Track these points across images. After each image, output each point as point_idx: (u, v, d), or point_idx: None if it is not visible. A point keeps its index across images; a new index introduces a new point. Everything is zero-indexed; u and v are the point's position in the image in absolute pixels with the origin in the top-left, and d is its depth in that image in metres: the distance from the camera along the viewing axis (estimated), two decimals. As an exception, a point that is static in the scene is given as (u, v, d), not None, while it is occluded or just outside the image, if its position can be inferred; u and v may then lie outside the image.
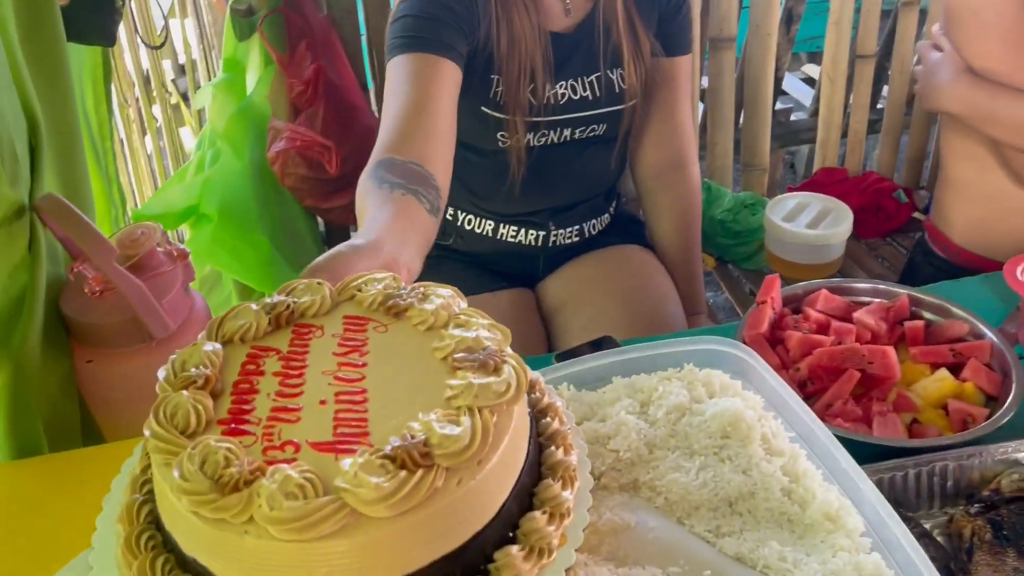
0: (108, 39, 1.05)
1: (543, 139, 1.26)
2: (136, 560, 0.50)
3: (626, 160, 1.39)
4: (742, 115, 1.85)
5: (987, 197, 1.31)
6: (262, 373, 0.56)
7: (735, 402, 0.73)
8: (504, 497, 0.51)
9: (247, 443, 0.50)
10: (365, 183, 0.95)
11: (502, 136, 1.22)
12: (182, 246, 0.78)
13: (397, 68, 1.10)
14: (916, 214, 1.81)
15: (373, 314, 0.62)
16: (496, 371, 0.53)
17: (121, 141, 2.20)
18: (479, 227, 1.34)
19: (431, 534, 0.47)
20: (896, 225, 1.80)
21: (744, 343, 0.91)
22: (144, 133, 2.44)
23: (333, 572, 0.46)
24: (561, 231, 1.34)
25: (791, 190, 1.84)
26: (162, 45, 1.99)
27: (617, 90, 1.25)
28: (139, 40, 2.05)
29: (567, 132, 1.26)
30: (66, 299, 0.76)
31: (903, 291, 0.99)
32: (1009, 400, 0.82)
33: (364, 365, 0.56)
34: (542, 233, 1.34)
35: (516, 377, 0.53)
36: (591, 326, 1.21)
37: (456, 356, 0.55)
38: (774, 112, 1.94)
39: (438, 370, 0.55)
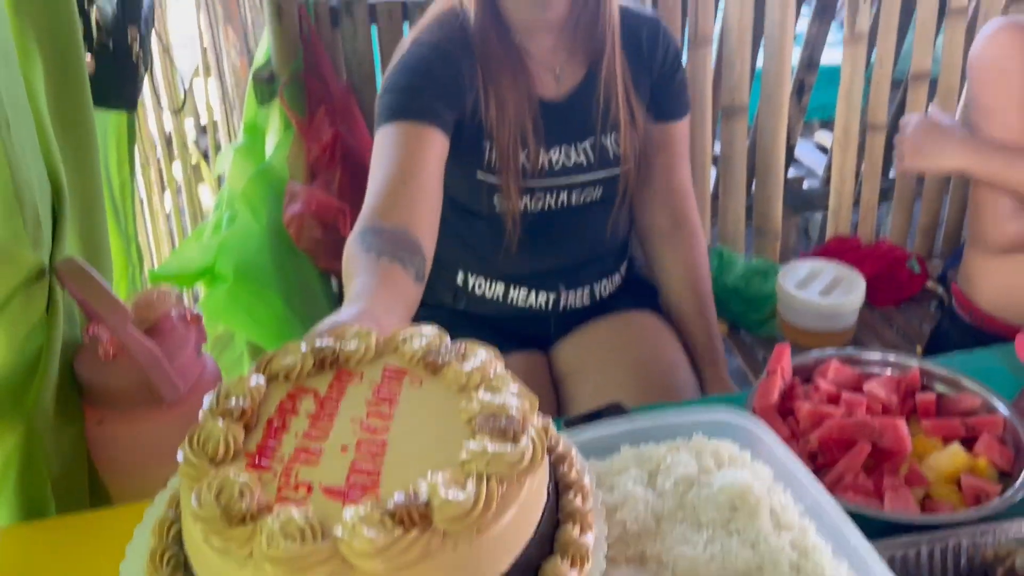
0: (130, 104, 1.08)
1: (539, 203, 1.27)
2: (156, 574, 0.53)
3: (632, 221, 1.40)
4: (754, 182, 1.87)
5: (1015, 262, 1.31)
6: (296, 412, 0.59)
7: (744, 474, 0.73)
8: (504, 567, 0.51)
9: (265, 479, 0.52)
10: (352, 248, 0.98)
11: (498, 200, 1.24)
12: (196, 310, 0.79)
13: (384, 136, 1.13)
14: (930, 283, 1.81)
15: (413, 367, 0.63)
16: (514, 439, 0.54)
17: (141, 200, 2.24)
18: (489, 290, 1.35)
19: (421, 594, 0.47)
20: (909, 294, 1.80)
21: (754, 413, 0.91)
22: (164, 190, 2.49)
23: None
24: (572, 292, 1.35)
25: (803, 257, 1.85)
26: (183, 107, 2.04)
27: (612, 156, 1.26)
28: (164, 112, 2.11)
29: (563, 196, 1.28)
30: (80, 360, 0.77)
31: (914, 363, 0.99)
32: (1023, 476, 0.81)
33: (391, 417, 0.58)
34: (552, 295, 1.34)
35: (533, 449, 0.53)
36: (601, 392, 1.21)
37: (478, 420, 0.55)
38: (786, 179, 1.96)
39: (460, 431, 0.56)
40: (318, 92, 1.51)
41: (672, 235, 1.36)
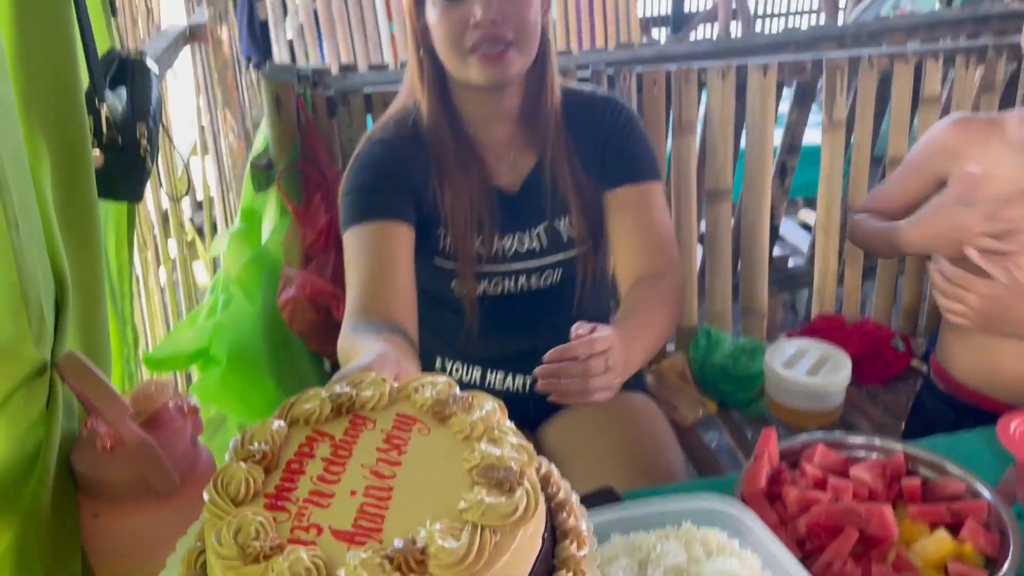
0: (136, 196, 1.11)
1: (498, 287, 1.29)
2: None
3: (604, 298, 1.41)
4: (740, 262, 1.91)
5: (990, 337, 1.34)
6: (313, 456, 0.63)
7: (732, 563, 0.74)
8: None
9: (281, 519, 0.56)
10: (348, 333, 1.04)
11: (456, 285, 1.28)
12: (193, 401, 0.81)
13: (351, 239, 1.19)
14: (914, 362, 1.84)
15: (423, 415, 0.68)
16: (510, 491, 0.57)
17: (137, 279, 2.26)
18: (467, 375, 1.37)
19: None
20: (895, 372, 1.82)
21: (743, 498, 0.92)
22: (159, 267, 2.51)
23: None
24: None
25: (790, 335, 1.88)
26: (184, 195, 2.08)
27: (565, 239, 1.28)
28: (162, 191, 2.15)
29: (521, 280, 1.30)
30: (77, 454, 0.78)
31: (899, 447, 1.01)
32: (1008, 563, 0.82)
33: (399, 464, 0.62)
34: (528, 378, 1.35)
35: (527, 501, 0.56)
36: (590, 475, 1.21)
37: (478, 471, 0.59)
38: (771, 258, 2.00)
39: (461, 481, 0.59)
40: (314, 179, 1.55)
41: (646, 282, 1.24)
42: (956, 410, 1.41)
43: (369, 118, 1.62)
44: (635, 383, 1.44)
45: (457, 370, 1.37)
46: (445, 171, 1.22)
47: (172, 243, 2.53)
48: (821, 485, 0.96)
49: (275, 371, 1.47)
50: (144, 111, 1.03)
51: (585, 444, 1.31)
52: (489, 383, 1.37)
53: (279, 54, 4.14)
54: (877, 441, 1.03)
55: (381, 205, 1.18)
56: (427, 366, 1.38)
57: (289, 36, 4.22)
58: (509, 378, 1.36)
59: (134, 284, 2.01)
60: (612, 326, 1.05)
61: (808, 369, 1.64)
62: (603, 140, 1.27)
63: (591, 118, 1.28)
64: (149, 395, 0.78)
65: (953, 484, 0.95)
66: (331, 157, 1.59)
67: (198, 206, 3.52)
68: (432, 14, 1.16)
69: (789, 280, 2.27)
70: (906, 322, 1.97)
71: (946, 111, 1.88)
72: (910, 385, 1.80)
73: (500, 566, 0.53)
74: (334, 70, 1.73)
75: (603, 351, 0.98)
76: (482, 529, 0.53)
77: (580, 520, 0.64)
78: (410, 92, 1.26)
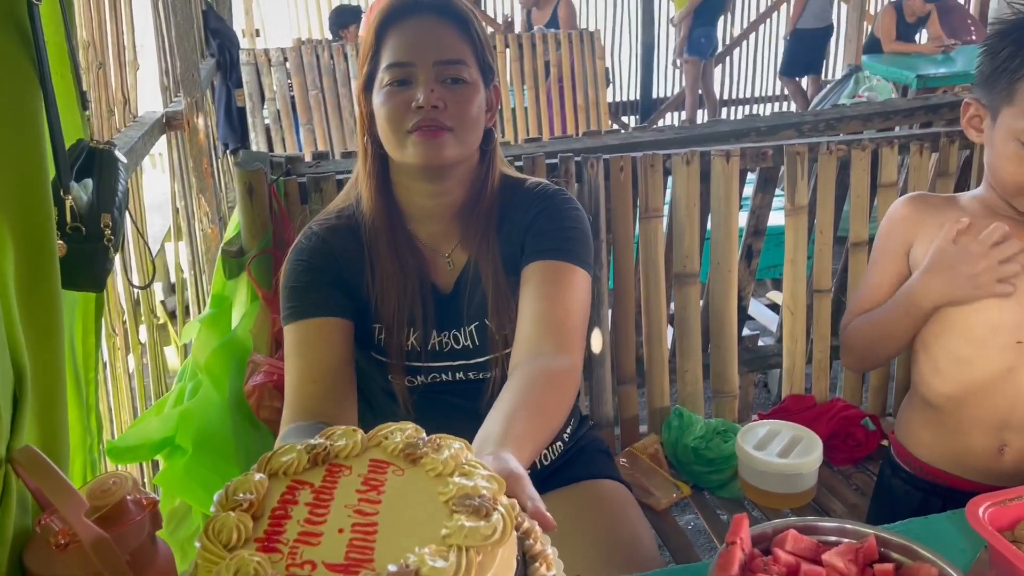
0: (99, 286, 1.11)
1: (434, 379, 1.27)
2: None
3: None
4: (710, 344, 1.92)
5: (950, 414, 1.36)
6: (296, 502, 0.68)
7: (704, 657, 0.72)
8: None
9: (275, 559, 0.62)
10: (281, 445, 1.02)
11: (392, 378, 1.27)
12: (152, 494, 0.79)
13: (288, 336, 1.20)
14: (884, 441, 1.84)
15: (395, 459, 0.74)
16: (487, 516, 0.63)
17: (104, 365, 2.23)
18: None
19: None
20: (866, 453, 1.82)
21: (715, 588, 0.91)
22: (128, 352, 2.48)
23: None
24: None
25: (761, 416, 1.88)
26: (149, 284, 2.08)
27: (497, 339, 1.25)
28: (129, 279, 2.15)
29: (458, 375, 1.28)
30: (30, 551, 0.76)
31: (870, 531, 1.00)
32: (982, 651, 0.81)
33: (379, 502, 0.68)
34: None
35: (503, 523, 0.63)
36: (563, 568, 1.19)
37: (455, 501, 0.66)
38: (741, 339, 2.02)
39: (439, 511, 0.66)
40: (285, 265, 1.55)
41: (545, 365, 1.10)
42: (923, 490, 1.42)
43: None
44: (607, 468, 1.43)
45: None
46: (379, 266, 1.23)
47: (143, 330, 2.51)
48: (794, 572, 0.95)
49: (242, 460, 1.44)
50: (109, 202, 1.04)
51: (556, 535, 1.28)
52: None
53: (256, 140, 4.21)
54: (849, 525, 1.02)
55: (312, 303, 1.18)
56: None
57: (266, 122, 4.30)
58: None
59: (100, 371, 1.98)
60: (504, 457, 0.88)
61: (779, 451, 1.64)
62: (528, 222, 1.24)
63: (521, 204, 1.26)
64: (107, 489, 0.76)
65: (925, 569, 0.94)
66: (302, 243, 1.60)
67: (171, 290, 3.52)
68: (377, 98, 1.19)
69: (759, 360, 2.28)
70: (875, 401, 1.99)
71: (903, 193, 1.94)
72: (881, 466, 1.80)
73: None
74: (308, 156, 1.75)
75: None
76: (466, 550, 0.60)
77: (546, 546, 0.74)
78: (355, 182, 1.28)
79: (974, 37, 6.30)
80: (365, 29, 1.23)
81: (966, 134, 1.33)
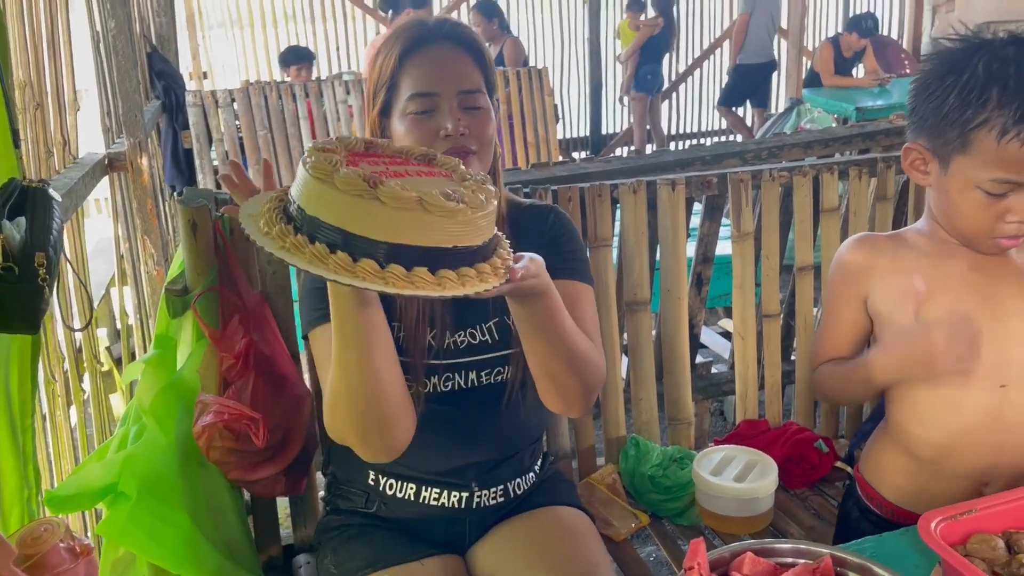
0: (33, 328, 1.07)
1: (449, 383, 1.29)
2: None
3: (545, 413, 1.39)
4: (663, 371, 1.93)
5: (926, 462, 1.32)
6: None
7: None
8: None
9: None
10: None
11: (408, 381, 1.25)
12: (86, 540, 0.75)
13: (320, 339, 1.19)
14: (839, 463, 1.86)
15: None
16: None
17: (43, 416, 2.16)
18: (401, 491, 1.34)
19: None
20: (821, 475, 1.84)
21: (673, 614, 0.90)
22: (70, 404, 2.40)
23: None
24: (485, 492, 1.34)
25: (717, 443, 1.88)
26: (87, 326, 2.02)
27: (514, 333, 1.27)
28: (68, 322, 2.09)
29: (472, 376, 1.29)
30: (-44, 605, 0.72)
31: (826, 550, 1.01)
32: (939, 666, 0.81)
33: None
34: (465, 495, 1.33)
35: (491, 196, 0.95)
36: None
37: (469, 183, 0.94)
38: (695, 366, 2.04)
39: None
40: (232, 303, 1.52)
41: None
42: (883, 528, 1.35)
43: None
44: (567, 497, 1.43)
45: (391, 486, 1.34)
46: None
47: (86, 379, 2.44)
48: (752, 594, 0.94)
49: (190, 505, 1.39)
50: (44, 240, 1.01)
51: (519, 562, 1.27)
52: (424, 499, 1.33)
53: (204, 182, 4.16)
54: (804, 546, 1.02)
55: None
56: (360, 482, 1.37)
57: (215, 164, 4.25)
58: (445, 494, 1.33)
59: (39, 422, 1.91)
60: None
61: (735, 476, 1.64)
62: (545, 242, 1.32)
63: (534, 224, 1.35)
64: (37, 536, 0.73)
65: (881, 586, 0.95)
66: (250, 280, 1.58)
67: (117, 336, 3.43)
68: (399, 126, 1.25)
69: (714, 387, 2.30)
70: (828, 424, 2.01)
71: (845, 220, 1.98)
72: (837, 488, 1.82)
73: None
74: (254, 194, 1.73)
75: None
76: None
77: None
78: None
79: (908, 71, 6.53)
80: (376, 58, 1.28)
81: (909, 176, 1.31)
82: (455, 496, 1.33)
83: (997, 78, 1.13)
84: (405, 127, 1.24)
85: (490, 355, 1.30)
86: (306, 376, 1.63)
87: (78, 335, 2.33)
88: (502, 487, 1.35)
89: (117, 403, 2.76)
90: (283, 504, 1.68)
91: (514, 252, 1.24)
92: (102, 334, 3.37)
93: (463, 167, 1.05)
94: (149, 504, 1.36)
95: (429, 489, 1.33)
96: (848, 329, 1.38)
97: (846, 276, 1.36)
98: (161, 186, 4.08)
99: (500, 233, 1.02)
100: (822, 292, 1.43)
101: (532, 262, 1.05)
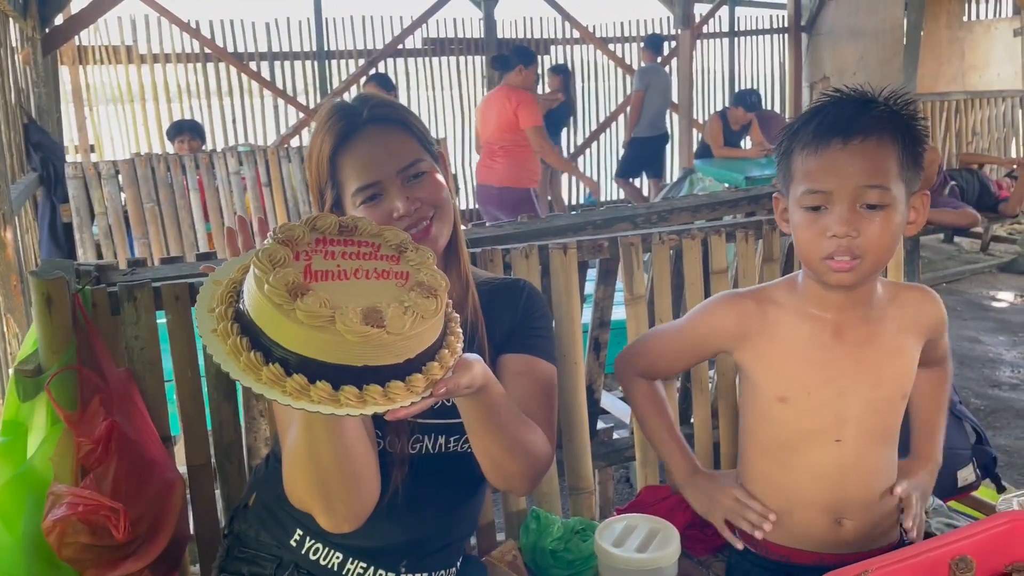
0: None
1: (417, 444, 1.26)
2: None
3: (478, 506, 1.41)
4: (562, 438, 1.88)
5: (786, 490, 1.42)
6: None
7: None
8: None
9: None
10: None
11: (379, 438, 1.23)
12: None
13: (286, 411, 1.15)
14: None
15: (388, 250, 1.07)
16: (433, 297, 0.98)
17: None
18: (325, 558, 1.26)
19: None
20: (723, 541, 1.78)
21: None
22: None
23: None
24: None
25: (619, 512, 1.83)
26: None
27: None
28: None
29: (440, 440, 1.27)
30: None
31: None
32: None
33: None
34: (391, 575, 1.27)
35: (439, 304, 0.99)
36: None
37: (414, 284, 0.98)
38: (596, 432, 1.99)
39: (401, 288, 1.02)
40: (92, 382, 1.41)
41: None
42: (771, 571, 1.44)
43: (160, 315, 1.51)
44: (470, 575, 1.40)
45: (316, 551, 1.26)
46: None
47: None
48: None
49: (37, 610, 1.25)
50: None
51: None
52: (347, 572, 1.26)
53: (84, 256, 3.96)
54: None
55: None
56: (280, 538, 1.29)
57: (96, 238, 4.06)
58: (370, 571, 1.27)
59: None
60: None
61: (637, 546, 1.59)
62: (518, 316, 1.36)
63: (508, 299, 1.37)
64: None
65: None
66: (114, 357, 1.46)
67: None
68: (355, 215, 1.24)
69: (616, 453, 2.26)
70: (728, 486, 1.98)
71: (735, 282, 2.01)
72: (739, 552, 1.79)
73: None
74: (123, 264, 1.63)
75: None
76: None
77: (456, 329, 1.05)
78: None
79: (791, 142, 6.88)
80: (309, 158, 1.26)
81: (780, 227, 1.41)
82: (380, 575, 1.27)
83: (818, 112, 1.27)
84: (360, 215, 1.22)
85: (455, 419, 1.25)
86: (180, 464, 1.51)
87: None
88: (427, 575, 1.31)
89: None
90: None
91: (485, 326, 1.31)
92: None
93: (429, 262, 1.04)
94: (-11, 613, 1.21)
95: (356, 562, 1.26)
96: (686, 360, 1.57)
97: (709, 334, 1.46)
98: (37, 261, 3.86)
99: (454, 330, 1.04)
100: (685, 320, 1.53)
101: (467, 371, 1.05)
